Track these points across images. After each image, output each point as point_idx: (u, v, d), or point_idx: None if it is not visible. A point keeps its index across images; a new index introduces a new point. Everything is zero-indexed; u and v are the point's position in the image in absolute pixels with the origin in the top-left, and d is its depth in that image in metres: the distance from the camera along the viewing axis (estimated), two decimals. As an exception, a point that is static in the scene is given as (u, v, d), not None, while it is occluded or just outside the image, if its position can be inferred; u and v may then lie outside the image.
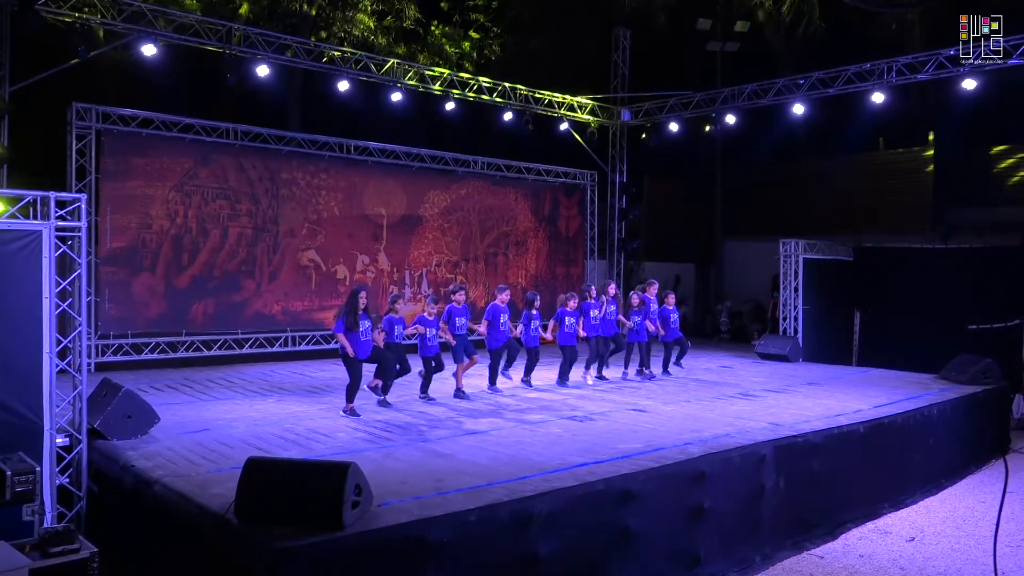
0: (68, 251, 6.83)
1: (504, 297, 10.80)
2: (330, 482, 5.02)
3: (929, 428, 9.77)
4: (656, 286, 12.86)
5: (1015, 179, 18.27)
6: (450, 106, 16.02)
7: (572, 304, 11.32)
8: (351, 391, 9.14)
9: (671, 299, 12.94)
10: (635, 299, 12.33)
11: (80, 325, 7.07)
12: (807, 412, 9.25)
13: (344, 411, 9.11)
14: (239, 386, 11.16)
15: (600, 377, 12.00)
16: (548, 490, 5.94)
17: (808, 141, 19.74)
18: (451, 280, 16.32)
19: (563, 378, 11.48)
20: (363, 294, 9.14)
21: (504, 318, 10.72)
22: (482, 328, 10.83)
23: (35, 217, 6.70)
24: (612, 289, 12.12)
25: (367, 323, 9.13)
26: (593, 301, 11.60)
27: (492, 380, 10.85)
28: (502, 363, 10.95)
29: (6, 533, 5.61)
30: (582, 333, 11.49)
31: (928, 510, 8.97)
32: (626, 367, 12.45)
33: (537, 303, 11.23)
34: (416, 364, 10.28)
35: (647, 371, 12.39)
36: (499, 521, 5.58)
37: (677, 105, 18.13)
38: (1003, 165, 18.58)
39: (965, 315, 14.07)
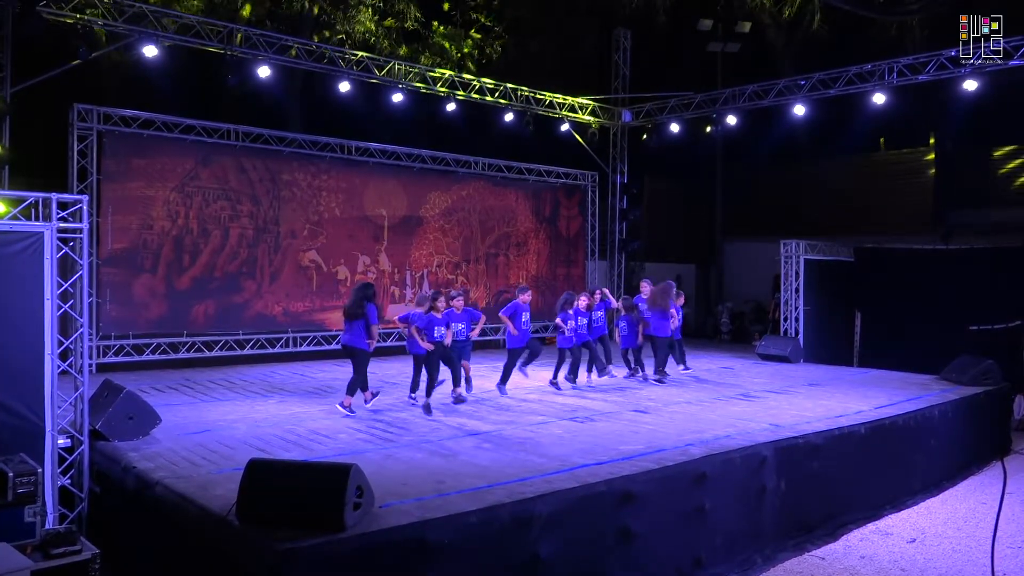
0: (70, 252, 6.82)
1: (526, 297, 10.81)
2: (331, 483, 5.03)
3: (930, 429, 9.78)
4: (649, 284, 12.77)
5: (1016, 180, 18.27)
6: (451, 107, 16.01)
7: (582, 303, 11.37)
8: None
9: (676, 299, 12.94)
10: (621, 303, 12.38)
11: (82, 326, 7.06)
12: (808, 413, 9.26)
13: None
14: (240, 387, 11.17)
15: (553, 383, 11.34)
16: (549, 491, 5.95)
17: (809, 142, 19.72)
18: (452, 281, 16.32)
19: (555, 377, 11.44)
20: None
21: (526, 316, 10.73)
22: (509, 324, 10.74)
23: (37, 218, 6.71)
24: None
25: None
26: (571, 312, 11.39)
27: (503, 379, 10.77)
28: (520, 360, 10.92)
29: (8, 534, 5.62)
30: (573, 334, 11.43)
31: (929, 511, 8.97)
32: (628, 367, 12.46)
33: (573, 303, 11.18)
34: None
35: (639, 373, 12.35)
36: (500, 523, 5.58)
37: (678, 106, 18.13)
38: (1004, 166, 18.58)
39: (966, 316, 14.04)
